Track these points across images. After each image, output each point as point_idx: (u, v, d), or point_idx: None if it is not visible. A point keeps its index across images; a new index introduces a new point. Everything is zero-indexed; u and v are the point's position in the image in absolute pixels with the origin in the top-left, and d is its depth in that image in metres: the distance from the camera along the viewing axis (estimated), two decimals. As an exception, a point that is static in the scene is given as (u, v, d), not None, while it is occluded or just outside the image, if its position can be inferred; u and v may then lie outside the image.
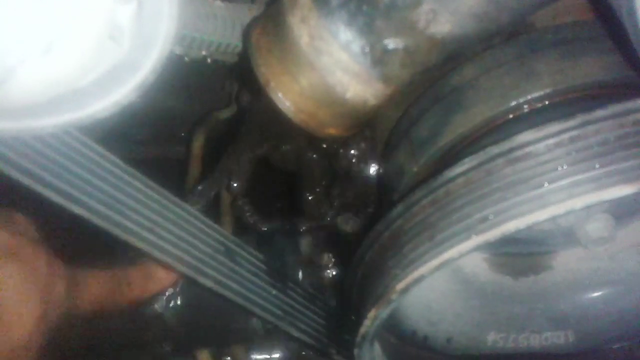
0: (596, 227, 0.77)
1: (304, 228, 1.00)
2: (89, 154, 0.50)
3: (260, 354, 1.11)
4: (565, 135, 0.55)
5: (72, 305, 0.61)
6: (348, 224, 1.00)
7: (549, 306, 0.87)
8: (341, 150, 0.93)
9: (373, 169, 0.92)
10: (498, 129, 0.66)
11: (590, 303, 0.86)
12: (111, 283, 0.69)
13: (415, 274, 0.59)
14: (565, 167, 0.54)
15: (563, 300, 0.87)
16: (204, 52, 0.75)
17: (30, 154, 0.45)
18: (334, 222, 1.01)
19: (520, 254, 0.88)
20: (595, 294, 0.86)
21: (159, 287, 0.75)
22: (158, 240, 0.54)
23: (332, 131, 0.65)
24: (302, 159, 1.00)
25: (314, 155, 1.00)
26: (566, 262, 0.88)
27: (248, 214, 0.97)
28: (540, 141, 0.55)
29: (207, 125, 1.23)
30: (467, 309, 0.85)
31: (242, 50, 0.74)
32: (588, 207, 0.73)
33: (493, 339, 0.86)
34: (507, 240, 0.84)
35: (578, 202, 0.52)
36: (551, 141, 0.55)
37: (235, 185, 0.96)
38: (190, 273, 0.57)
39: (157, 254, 0.54)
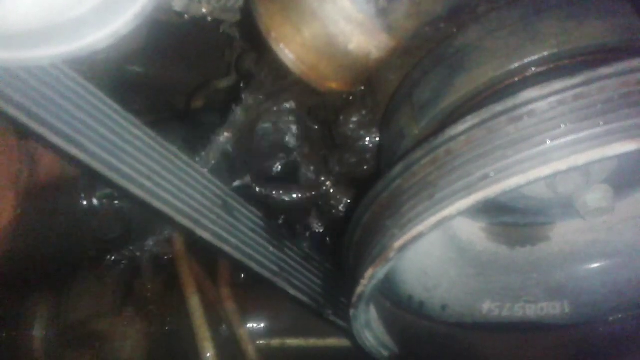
0: (595, 197, 0.76)
1: (301, 196, 0.99)
2: (87, 96, 0.49)
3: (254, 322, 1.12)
4: (569, 93, 0.55)
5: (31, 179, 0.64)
6: (345, 193, 1.00)
7: (545, 277, 0.86)
8: (341, 117, 0.93)
9: (373, 137, 0.91)
10: (502, 91, 0.66)
11: (587, 274, 0.86)
12: (57, 161, 0.72)
13: (414, 231, 0.59)
14: (568, 124, 0.54)
15: (559, 271, 0.87)
16: (204, 10, 0.74)
17: (28, 92, 0.44)
18: (332, 190, 1.00)
19: (518, 225, 0.88)
20: (592, 266, 0.86)
21: None
22: (155, 189, 0.53)
23: (333, 85, 0.64)
24: (300, 128, 1.00)
25: (314, 125, 1.00)
26: (563, 234, 0.87)
27: (245, 177, 0.97)
28: (544, 99, 0.55)
29: (206, 93, 1.23)
30: (463, 277, 0.85)
31: (243, 4, 0.73)
32: (588, 175, 0.73)
33: (488, 307, 0.86)
34: (505, 210, 0.84)
35: (581, 158, 0.52)
36: (555, 99, 0.55)
37: (234, 149, 0.96)
38: (188, 224, 0.57)
39: (154, 202, 0.53)
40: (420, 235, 0.59)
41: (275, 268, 0.67)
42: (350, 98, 0.94)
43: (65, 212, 0.82)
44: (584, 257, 0.86)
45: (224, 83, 1.23)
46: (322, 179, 0.99)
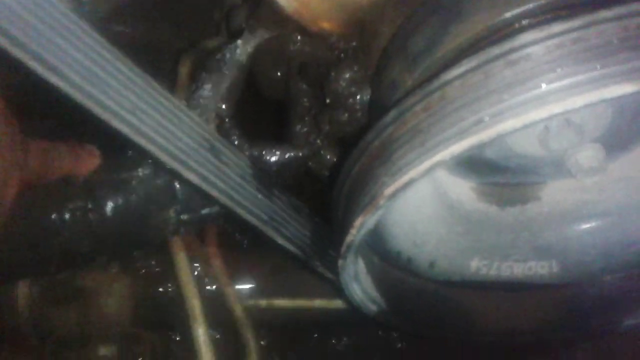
0: (587, 156, 0.75)
1: (290, 155, 0.98)
2: (70, 25, 0.47)
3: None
4: (567, 37, 0.53)
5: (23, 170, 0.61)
6: (335, 152, 0.99)
7: (534, 236, 0.86)
8: (333, 74, 0.91)
9: (365, 94, 0.90)
10: (498, 40, 0.64)
11: (577, 234, 0.86)
12: (46, 154, 0.70)
13: (405, 177, 0.58)
14: (565, 68, 0.52)
15: (549, 231, 0.86)
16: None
17: (8, 15, 0.42)
18: (322, 150, 0.99)
19: (508, 184, 0.87)
20: (582, 226, 0.86)
21: (84, 169, 0.78)
22: (140, 125, 0.52)
23: (325, 25, 0.63)
24: (291, 87, 0.98)
25: (303, 85, 0.98)
26: (554, 194, 0.87)
27: (234, 136, 0.95)
28: (542, 42, 0.54)
29: (194, 54, 1.20)
30: (452, 234, 0.84)
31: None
32: (581, 133, 0.73)
33: (476, 265, 0.85)
34: (496, 169, 0.83)
35: (578, 100, 0.51)
36: (552, 42, 0.53)
37: (224, 107, 0.94)
38: (174, 165, 0.55)
39: (138, 139, 0.51)
40: (411, 182, 0.58)
41: (263, 216, 0.66)
42: (342, 55, 0.92)
43: (38, 216, 0.79)
44: (574, 218, 0.86)
45: (213, 43, 1.20)
46: (312, 137, 0.97)
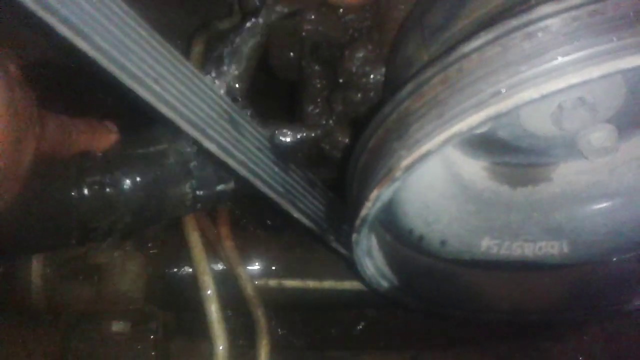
0: (599, 136, 0.76)
1: (303, 135, 0.99)
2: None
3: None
4: (584, 9, 0.54)
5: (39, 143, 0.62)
6: (347, 132, 1.00)
7: (544, 216, 0.87)
8: (347, 53, 0.92)
9: (379, 73, 0.90)
10: (515, 15, 0.65)
11: (587, 215, 0.86)
12: (64, 128, 0.70)
13: (423, 149, 0.58)
14: (583, 40, 0.53)
15: (559, 211, 0.87)
16: None
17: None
18: (334, 130, 1.00)
19: (520, 165, 0.88)
20: (593, 207, 0.86)
21: (101, 144, 0.79)
22: (163, 92, 0.52)
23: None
24: (303, 68, 0.99)
25: (316, 66, 0.99)
26: (565, 175, 0.87)
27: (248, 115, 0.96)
28: (559, 14, 0.54)
29: (207, 34, 1.20)
30: (463, 213, 0.85)
31: None
32: (594, 112, 0.73)
33: (487, 244, 0.86)
34: (508, 149, 0.84)
35: (595, 71, 0.51)
36: (569, 15, 0.54)
37: (237, 86, 0.95)
38: (194, 133, 0.56)
39: (161, 106, 0.52)
40: (428, 153, 0.58)
41: (280, 188, 0.67)
42: (356, 34, 0.93)
43: (56, 189, 0.80)
44: (585, 198, 0.86)
45: (225, 24, 1.20)
46: (325, 118, 0.98)
